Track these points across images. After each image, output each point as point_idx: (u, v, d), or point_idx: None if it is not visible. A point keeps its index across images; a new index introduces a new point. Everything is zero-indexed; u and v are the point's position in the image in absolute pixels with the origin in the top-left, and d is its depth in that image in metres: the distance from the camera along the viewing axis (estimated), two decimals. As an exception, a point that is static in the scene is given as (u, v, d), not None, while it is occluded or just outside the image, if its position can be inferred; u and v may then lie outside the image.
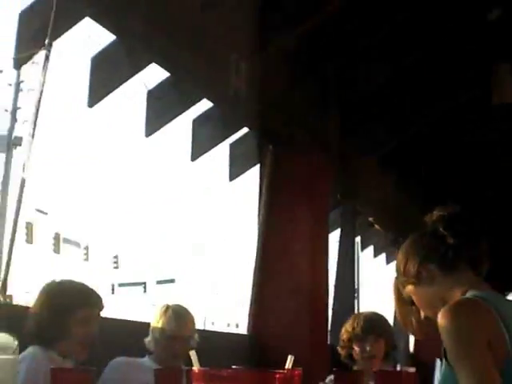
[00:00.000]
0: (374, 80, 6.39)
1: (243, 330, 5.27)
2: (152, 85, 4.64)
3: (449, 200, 2.28)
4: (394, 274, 2.33)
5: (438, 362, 2.68)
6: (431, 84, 6.88)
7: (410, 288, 2.23)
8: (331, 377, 3.53)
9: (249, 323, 5.20)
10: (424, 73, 6.65)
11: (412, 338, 8.28)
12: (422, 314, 2.26)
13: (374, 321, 3.85)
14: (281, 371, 1.09)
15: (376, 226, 8.13)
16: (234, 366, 1.34)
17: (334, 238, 6.90)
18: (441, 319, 1.98)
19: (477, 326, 1.97)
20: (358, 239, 7.82)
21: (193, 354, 1.16)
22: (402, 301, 2.31)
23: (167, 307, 3.51)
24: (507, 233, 9.92)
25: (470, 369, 1.90)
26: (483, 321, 1.99)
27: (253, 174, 5.63)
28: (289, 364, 1.16)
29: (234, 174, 5.68)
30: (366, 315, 3.92)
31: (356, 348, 3.78)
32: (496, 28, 6.00)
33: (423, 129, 7.57)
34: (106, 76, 4.05)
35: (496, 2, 5.81)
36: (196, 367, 1.07)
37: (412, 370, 3.05)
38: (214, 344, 4.33)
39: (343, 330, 3.91)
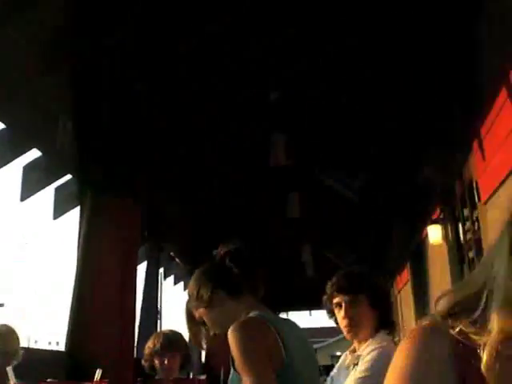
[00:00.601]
0: (172, 149, 6.43)
1: (62, 347, 4.99)
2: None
3: (235, 237, 2.28)
4: (186, 299, 2.29)
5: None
6: (218, 148, 7.04)
7: (201, 311, 2.20)
8: (136, 384, 3.43)
9: (66, 341, 4.94)
10: (213, 137, 6.80)
11: (204, 351, 8.28)
12: (211, 332, 2.23)
13: (171, 338, 3.80)
14: (89, 383, 1.01)
15: (176, 260, 8.11)
16: (48, 380, 1.24)
17: (142, 268, 6.80)
18: (230, 335, 1.96)
19: (259, 340, 1.98)
20: (161, 270, 7.73)
21: (9, 369, 1.06)
22: (193, 321, 2.27)
23: None
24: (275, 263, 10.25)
25: (253, 374, 1.89)
26: (264, 335, 2.00)
27: (74, 215, 5.44)
28: (97, 376, 1.08)
29: (57, 213, 5.44)
30: (164, 333, 3.87)
31: (156, 361, 3.72)
32: (275, 105, 6.27)
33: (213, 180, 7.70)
34: None
35: (277, 85, 6.09)
36: (12, 381, 0.96)
37: (203, 377, 3.05)
38: (36, 359, 4.08)
39: (146, 347, 3.85)
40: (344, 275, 2.91)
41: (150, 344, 3.79)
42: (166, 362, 3.70)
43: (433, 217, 5.96)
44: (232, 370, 2.05)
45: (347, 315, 2.79)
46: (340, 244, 11.92)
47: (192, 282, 2.25)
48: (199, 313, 2.21)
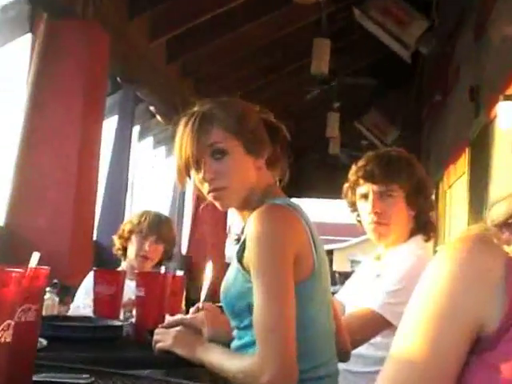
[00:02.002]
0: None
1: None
2: None
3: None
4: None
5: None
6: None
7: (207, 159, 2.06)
8: (91, 272, 3.49)
9: (6, 213, 5.00)
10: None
11: (184, 242, 8.38)
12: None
13: (164, 222, 3.86)
14: (20, 270, 1.01)
15: (158, 117, 8.06)
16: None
17: (111, 124, 6.73)
18: (256, 221, 1.93)
19: (288, 238, 1.96)
20: (136, 129, 7.68)
21: None
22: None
23: None
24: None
25: (268, 280, 1.88)
26: (294, 232, 1.98)
27: (24, 43, 5.38)
28: (33, 262, 1.09)
29: (2, 40, 5.37)
30: (156, 214, 3.88)
31: (134, 242, 3.77)
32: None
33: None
34: None
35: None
36: None
37: (180, 272, 3.05)
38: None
39: (127, 220, 3.91)
40: (375, 158, 2.89)
41: (133, 219, 3.83)
42: (146, 247, 3.74)
43: (507, 91, 5.87)
44: (236, 266, 2.02)
45: (374, 210, 2.81)
46: (379, 114, 11.86)
47: (197, 122, 2.14)
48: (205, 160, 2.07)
